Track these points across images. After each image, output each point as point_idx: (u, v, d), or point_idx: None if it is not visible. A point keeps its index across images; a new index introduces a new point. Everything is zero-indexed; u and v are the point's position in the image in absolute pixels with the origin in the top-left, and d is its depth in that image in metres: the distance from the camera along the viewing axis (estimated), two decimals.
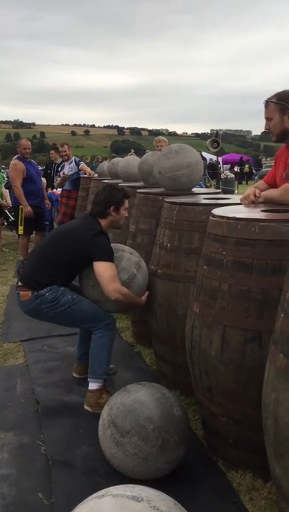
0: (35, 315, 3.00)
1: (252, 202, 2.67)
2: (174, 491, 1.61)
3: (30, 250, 5.94)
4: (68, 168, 7.72)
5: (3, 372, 3.51)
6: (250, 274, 2.08)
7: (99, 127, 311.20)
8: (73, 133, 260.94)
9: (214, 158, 21.29)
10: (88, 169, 7.78)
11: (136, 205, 3.77)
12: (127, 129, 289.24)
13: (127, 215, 3.15)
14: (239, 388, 2.12)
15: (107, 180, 6.24)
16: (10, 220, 9.26)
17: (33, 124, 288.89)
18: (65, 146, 7.92)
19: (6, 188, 9.20)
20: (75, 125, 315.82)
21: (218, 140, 17.43)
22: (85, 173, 7.65)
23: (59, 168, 8.25)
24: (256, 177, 27.26)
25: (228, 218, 2.18)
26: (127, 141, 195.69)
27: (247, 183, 26.31)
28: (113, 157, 10.91)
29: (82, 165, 7.86)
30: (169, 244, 2.96)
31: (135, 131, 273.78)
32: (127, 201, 3.09)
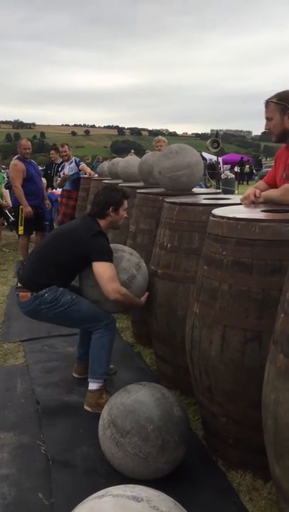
0: (34, 316, 3.00)
1: (252, 202, 2.67)
2: (174, 491, 1.61)
3: (31, 250, 5.94)
4: (68, 169, 7.73)
5: (3, 372, 3.51)
6: (250, 274, 2.08)
7: (99, 127, 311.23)
8: (73, 133, 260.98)
9: (214, 158, 21.29)
10: (88, 169, 7.78)
11: (136, 205, 3.77)
12: (127, 129, 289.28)
13: (126, 215, 3.15)
14: (239, 388, 2.12)
15: (107, 180, 6.25)
16: (10, 220, 9.27)
17: (33, 125, 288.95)
18: (66, 147, 7.93)
19: (6, 188, 9.20)
20: (75, 125, 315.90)
21: (218, 140, 17.43)
22: (85, 174, 7.65)
23: (59, 169, 8.26)
24: (256, 177, 27.26)
25: (228, 218, 2.18)
26: (127, 141, 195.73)
27: (248, 183, 26.32)
28: (113, 157, 10.92)
29: (83, 165, 7.87)
30: (169, 245, 2.96)
31: (135, 132, 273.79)
32: (126, 202, 3.09)
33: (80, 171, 7.75)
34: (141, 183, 4.63)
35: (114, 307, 2.98)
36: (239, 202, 2.79)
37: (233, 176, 23.43)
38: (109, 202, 3.01)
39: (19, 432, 2.68)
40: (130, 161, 5.56)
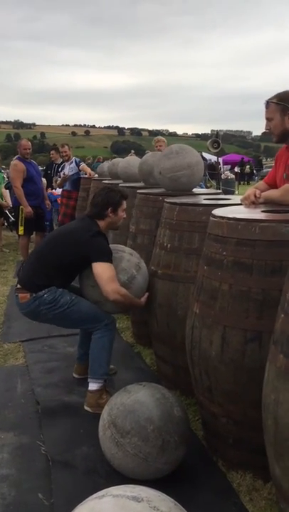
0: (34, 317, 3.00)
1: (252, 202, 2.67)
2: (174, 492, 1.61)
3: (31, 251, 5.95)
4: (69, 169, 7.73)
5: (3, 372, 3.51)
6: (250, 275, 2.08)
7: (99, 128, 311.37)
8: (74, 133, 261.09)
9: (213, 158, 21.29)
10: (88, 170, 7.79)
11: (136, 205, 3.77)
12: (128, 129, 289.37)
13: (125, 216, 3.15)
14: (239, 388, 2.12)
15: (108, 180, 6.25)
16: (10, 221, 9.26)
17: (34, 125, 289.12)
18: (66, 147, 7.93)
19: (6, 189, 9.20)
20: (76, 125, 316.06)
21: (218, 141, 17.43)
22: (86, 174, 7.65)
23: (59, 169, 8.27)
24: (257, 177, 27.26)
25: (229, 219, 2.18)
26: (128, 141, 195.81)
27: (248, 184, 26.32)
28: (114, 157, 10.92)
29: (83, 165, 7.88)
30: (169, 245, 2.96)
31: (135, 132, 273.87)
32: (124, 202, 3.10)
33: (80, 171, 7.75)
34: (141, 184, 4.63)
35: (114, 307, 2.98)
36: (239, 202, 2.79)
37: (233, 176, 23.44)
38: (107, 203, 3.02)
39: (19, 432, 2.68)
40: (130, 162, 5.56)
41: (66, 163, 7.86)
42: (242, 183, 26.72)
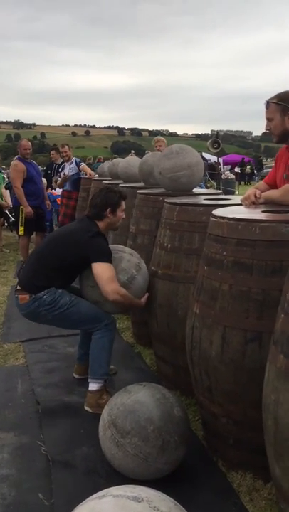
0: (34, 318, 3.00)
1: (252, 203, 2.67)
2: (174, 492, 1.61)
3: (31, 251, 5.95)
4: (69, 169, 7.74)
5: (3, 372, 3.51)
6: (250, 275, 2.08)
7: (99, 128, 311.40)
8: (74, 133, 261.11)
9: (213, 158, 21.29)
10: (89, 170, 7.79)
11: (136, 205, 3.77)
12: (128, 129, 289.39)
13: (124, 216, 3.15)
14: (239, 389, 2.12)
15: (108, 180, 6.25)
16: (10, 221, 9.27)
17: (34, 125, 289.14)
18: (66, 147, 7.94)
19: (7, 189, 9.21)
20: (76, 126, 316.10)
21: (218, 141, 17.43)
22: (86, 174, 7.66)
23: (59, 169, 8.27)
24: (257, 178, 27.25)
25: (229, 219, 2.18)
26: (128, 141, 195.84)
27: (249, 184, 26.32)
28: (114, 158, 10.92)
29: (83, 165, 7.88)
30: (169, 245, 2.96)
31: (136, 132, 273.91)
32: (123, 203, 3.10)
33: (80, 171, 7.75)
34: (141, 184, 4.63)
35: (114, 308, 2.98)
36: (239, 202, 2.79)
37: (233, 176, 23.44)
38: (106, 203, 3.02)
39: (19, 432, 2.68)
40: (131, 162, 5.56)
41: (66, 164, 7.87)
42: (242, 183, 26.73)
